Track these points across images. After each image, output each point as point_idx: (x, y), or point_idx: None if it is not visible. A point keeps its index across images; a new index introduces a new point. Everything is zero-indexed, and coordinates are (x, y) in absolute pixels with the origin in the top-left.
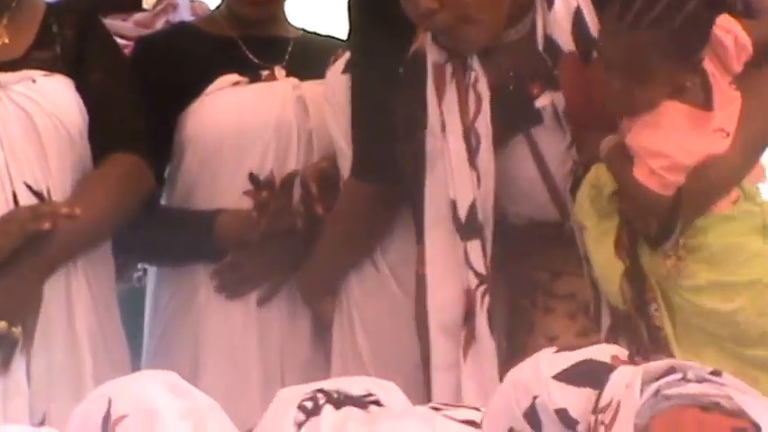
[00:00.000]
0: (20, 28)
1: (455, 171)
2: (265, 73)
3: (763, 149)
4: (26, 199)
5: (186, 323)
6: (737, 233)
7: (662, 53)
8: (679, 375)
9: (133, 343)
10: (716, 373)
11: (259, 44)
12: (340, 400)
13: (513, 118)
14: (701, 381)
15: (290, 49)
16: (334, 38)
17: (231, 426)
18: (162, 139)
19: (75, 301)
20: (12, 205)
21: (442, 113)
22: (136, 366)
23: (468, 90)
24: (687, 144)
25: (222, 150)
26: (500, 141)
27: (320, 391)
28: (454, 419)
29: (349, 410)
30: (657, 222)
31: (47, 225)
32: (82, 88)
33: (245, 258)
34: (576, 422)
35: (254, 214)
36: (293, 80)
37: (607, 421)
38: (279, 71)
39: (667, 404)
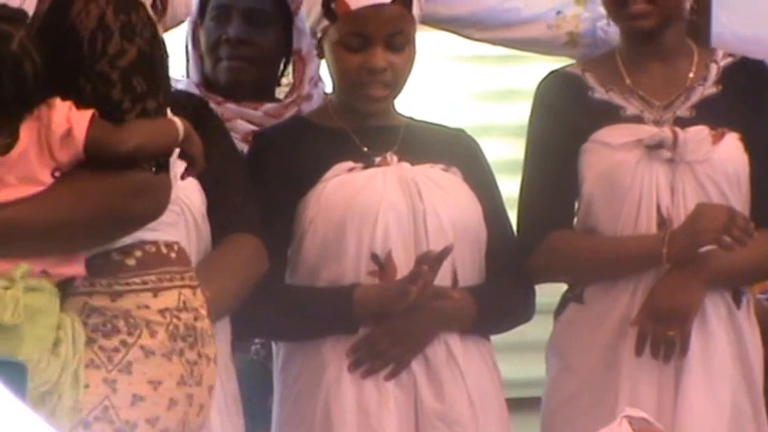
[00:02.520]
0: None
1: None
2: (378, 158)
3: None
4: None
5: (317, 397)
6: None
7: None
8: None
9: (251, 412)
10: None
11: (371, 134)
12: None
13: None
14: None
15: (400, 135)
16: (439, 125)
17: None
18: (283, 223)
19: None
20: None
21: None
22: None
23: None
24: None
25: (344, 232)
26: None
27: None
28: None
29: None
30: None
31: None
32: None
33: (381, 333)
34: None
35: (400, 287)
36: (405, 164)
37: None
38: (391, 156)
39: None
